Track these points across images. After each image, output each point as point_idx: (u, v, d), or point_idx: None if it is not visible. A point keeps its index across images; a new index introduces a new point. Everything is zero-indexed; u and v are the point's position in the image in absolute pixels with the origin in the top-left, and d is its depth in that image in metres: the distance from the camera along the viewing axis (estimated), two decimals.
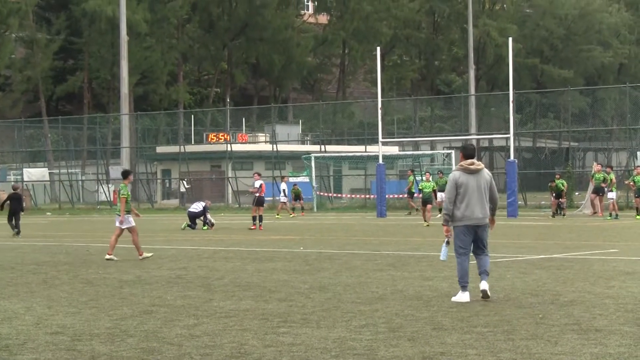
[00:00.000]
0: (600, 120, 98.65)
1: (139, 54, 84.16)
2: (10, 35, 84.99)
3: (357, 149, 71.06)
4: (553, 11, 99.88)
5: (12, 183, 45.66)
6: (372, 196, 58.65)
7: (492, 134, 74.72)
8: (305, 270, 19.17)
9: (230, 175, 66.80)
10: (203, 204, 38.65)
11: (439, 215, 34.30)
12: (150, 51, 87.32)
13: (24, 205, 38.49)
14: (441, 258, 14.72)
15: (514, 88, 46.99)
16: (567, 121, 69.30)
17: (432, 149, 75.23)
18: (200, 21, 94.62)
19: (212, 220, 38.43)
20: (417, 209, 50.50)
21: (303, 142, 79.28)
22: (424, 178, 43.91)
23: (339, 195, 65.64)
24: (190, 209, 38.64)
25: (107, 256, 22.59)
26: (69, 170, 74.99)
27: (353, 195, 64.96)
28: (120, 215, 22.79)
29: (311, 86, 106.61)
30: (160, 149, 76.33)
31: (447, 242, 14.48)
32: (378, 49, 52.17)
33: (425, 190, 39.18)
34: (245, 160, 72.07)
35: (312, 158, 59.54)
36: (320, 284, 16.50)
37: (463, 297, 13.95)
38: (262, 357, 9.85)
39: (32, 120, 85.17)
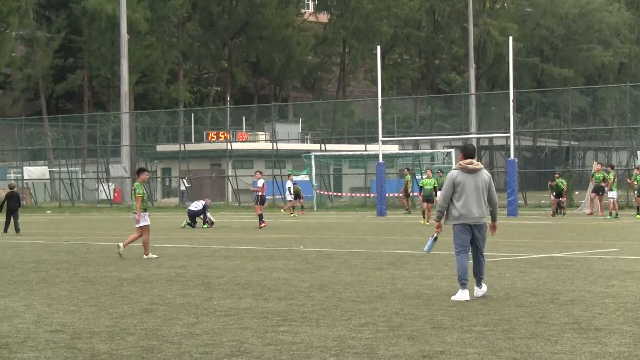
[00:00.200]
0: (600, 120, 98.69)
1: (139, 53, 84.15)
2: (10, 33, 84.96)
3: (357, 148, 71.08)
4: (553, 10, 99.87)
5: (9, 182, 45.58)
6: (372, 195, 58.67)
7: (492, 133, 74.73)
8: (305, 269, 19.18)
9: (230, 173, 66.81)
10: (203, 202, 38.66)
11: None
12: (150, 49, 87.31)
13: (24, 203, 38.53)
14: (425, 249, 14.96)
15: (514, 87, 46.98)
16: (567, 120, 69.31)
17: (432, 148, 75.23)
18: (201, 20, 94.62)
19: (212, 219, 38.44)
20: (407, 210, 50.42)
21: (303, 141, 79.30)
22: (424, 176, 43.83)
23: (339, 194, 65.65)
24: (190, 208, 38.65)
25: (120, 248, 22.57)
26: (69, 169, 74.99)
27: (353, 194, 64.97)
28: (136, 214, 22.79)
29: (311, 85, 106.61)
30: (160, 148, 76.35)
31: (435, 238, 14.66)
32: (378, 47, 52.16)
33: (426, 187, 38.74)
34: (245, 158, 72.08)
35: (312, 157, 59.55)
36: (320, 283, 16.50)
37: (462, 295, 13.97)
38: (262, 356, 9.85)
39: (32, 119, 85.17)
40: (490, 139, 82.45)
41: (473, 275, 14.33)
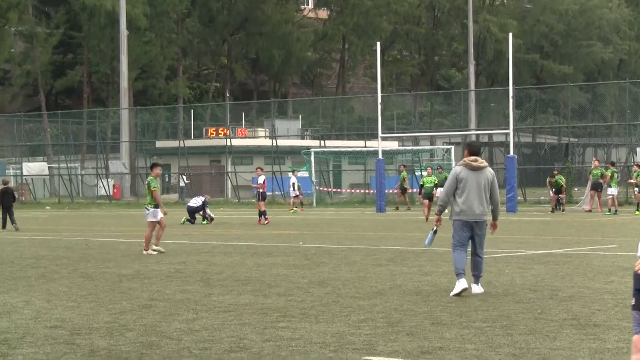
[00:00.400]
0: (599, 116, 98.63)
1: (139, 49, 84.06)
2: (9, 29, 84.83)
3: (356, 144, 71.06)
4: (553, 7, 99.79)
5: (3, 178, 45.45)
6: (371, 191, 58.66)
7: (491, 130, 74.67)
8: (305, 265, 19.18)
9: (229, 170, 66.80)
10: (202, 198, 38.67)
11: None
12: (149, 46, 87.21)
13: (22, 199, 38.51)
14: (425, 243, 15.00)
15: (513, 84, 46.97)
16: (566, 117, 69.29)
17: (431, 144, 75.21)
18: (200, 16, 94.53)
19: (212, 215, 38.44)
20: (397, 207, 50.28)
21: (303, 137, 79.24)
22: (424, 173, 43.79)
23: (339, 190, 65.64)
24: (190, 204, 38.65)
25: (145, 252, 22.50)
26: (69, 165, 74.96)
27: (352, 190, 64.96)
28: (149, 209, 22.79)
29: (311, 81, 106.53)
30: (159, 144, 76.32)
31: (435, 231, 14.74)
32: (378, 44, 52.14)
33: (426, 185, 38.58)
34: (245, 155, 72.05)
35: (312, 153, 59.53)
36: (320, 279, 16.51)
37: (459, 285, 14.04)
38: (261, 352, 9.86)
39: (31, 115, 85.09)
40: (490, 135, 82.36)
41: (471, 274, 14.35)
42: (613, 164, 47.06)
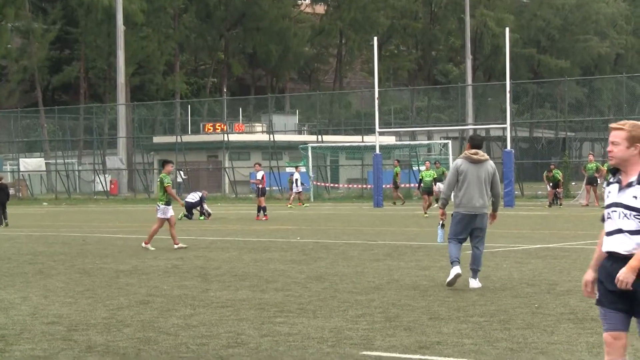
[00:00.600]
0: (596, 111, 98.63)
1: (136, 44, 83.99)
2: (6, 25, 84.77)
3: (354, 139, 71.02)
4: (550, 1, 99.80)
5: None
6: (369, 186, 58.65)
7: (489, 124, 74.65)
8: (302, 260, 19.18)
9: (227, 165, 66.77)
10: (200, 194, 38.65)
11: (436, 205, 34.28)
12: (146, 41, 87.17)
13: (19, 194, 38.44)
14: (438, 241, 14.99)
15: (510, 78, 46.97)
16: (563, 111, 69.30)
17: (429, 139, 75.23)
18: (197, 11, 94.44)
19: (209, 211, 38.42)
20: (394, 202, 50.11)
21: (300, 132, 79.21)
22: (422, 168, 43.71)
23: (336, 185, 65.62)
24: (187, 199, 38.60)
25: (175, 246, 22.47)
26: (66, 161, 74.92)
27: (350, 185, 64.95)
28: (160, 206, 22.80)
29: (308, 76, 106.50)
30: (156, 139, 76.25)
31: (442, 225, 14.76)
32: (375, 39, 52.10)
33: (425, 179, 38.24)
34: (242, 150, 72.00)
35: (309, 148, 59.52)
36: (317, 274, 16.51)
37: (453, 270, 14.16)
38: (259, 347, 9.85)
39: (28, 110, 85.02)
40: (487, 130, 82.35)
41: (469, 267, 14.40)
42: None
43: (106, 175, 71.98)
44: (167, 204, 22.77)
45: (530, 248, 21.00)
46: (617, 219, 6.65)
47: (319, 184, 62.27)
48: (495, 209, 14.77)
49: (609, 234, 6.73)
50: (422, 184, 38.64)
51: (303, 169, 55.40)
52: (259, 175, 36.92)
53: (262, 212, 36.26)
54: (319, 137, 67.93)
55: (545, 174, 45.80)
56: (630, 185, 6.63)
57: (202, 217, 37.69)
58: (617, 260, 6.63)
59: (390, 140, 71.17)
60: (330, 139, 70.86)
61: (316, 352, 9.58)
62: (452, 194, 14.76)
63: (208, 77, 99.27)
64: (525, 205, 46.67)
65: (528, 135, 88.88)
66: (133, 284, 15.53)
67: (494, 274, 15.88)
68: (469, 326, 10.84)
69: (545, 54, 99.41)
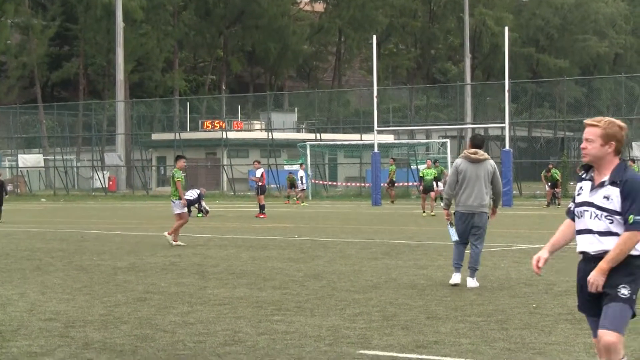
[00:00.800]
0: (595, 110, 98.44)
1: (135, 41, 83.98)
2: (6, 21, 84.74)
3: (352, 137, 71.04)
4: (549, 0, 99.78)
5: None
6: (367, 184, 58.65)
7: (487, 123, 74.68)
8: (300, 258, 19.17)
9: (225, 162, 66.77)
10: (198, 191, 38.58)
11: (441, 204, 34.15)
12: (146, 38, 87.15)
13: (18, 191, 38.38)
14: (452, 239, 14.94)
15: (509, 77, 46.99)
16: (562, 111, 69.29)
17: (427, 138, 75.20)
18: (196, 8, 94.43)
19: (207, 208, 38.39)
20: (392, 201, 49.86)
21: (298, 130, 79.23)
22: (421, 166, 43.63)
23: (334, 183, 65.63)
24: (186, 196, 38.51)
25: (174, 243, 22.47)
26: (64, 157, 74.91)
27: (348, 184, 64.96)
28: (175, 202, 22.88)
29: (307, 74, 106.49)
30: (155, 136, 76.25)
31: (451, 224, 14.89)
32: (374, 37, 52.10)
33: (426, 177, 37.83)
34: (241, 148, 72.00)
35: (308, 146, 59.54)
36: (315, 272, 16.50)
37: (453, 278, 14.37)
38: (256, 345, 9.84)
39: (27, 107, 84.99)
40: (486, 129, 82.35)
41: (468, 266, 14.41)
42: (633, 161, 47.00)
43: (104, 172, 71.99)
44: (180, 198, 22.91)
45: (528, 248, 20.99)
46: (587, 219, 6.59)
47: (317, 182, 62.28)
48: (495, 206, 15.01)
49: (580, 232, 6.68)
50: (422, 182, 38.28)
51: (295, 167, 55.40)
52: (259, 172, 36.86)
53: (262, 209, 36.23)
54: (318, 135, 67.94)
55: (543, 173, 45.80)
56: (602, 185, 6.55)
57: (200, 215, 37.66)
58: (589, 261, 6.61)
59: (389, 138, 71.19)
60: (328, 137, 70.88)
61: (313, 350, 9.58)
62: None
63: (207, 74, 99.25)
64: (524, 204, 46.68)
65: (526, 135, 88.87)
66: (130, 281, 15.52)
67: (491, 274, 15.88)
68: (466, 326, 10.84)
69: (544, 54, 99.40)
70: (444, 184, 39.71)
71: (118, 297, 13.51)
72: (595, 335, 6.72)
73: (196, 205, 38.00)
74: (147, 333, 10.54)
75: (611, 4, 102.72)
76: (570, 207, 6.80)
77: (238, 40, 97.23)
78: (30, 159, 75.58)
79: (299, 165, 54.52)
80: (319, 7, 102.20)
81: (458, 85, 75.18)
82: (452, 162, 52.11)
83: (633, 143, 63.28)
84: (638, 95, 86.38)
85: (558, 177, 44.91)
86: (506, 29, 48.17)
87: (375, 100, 48.87)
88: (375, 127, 49.08)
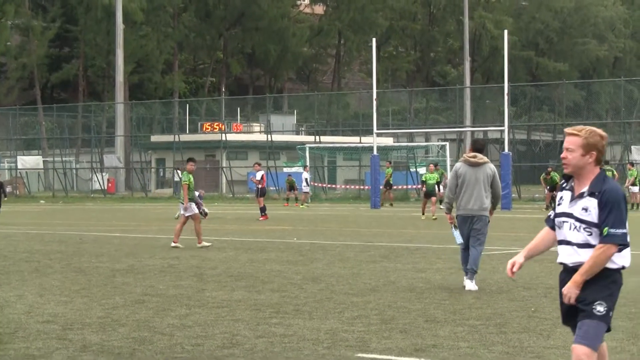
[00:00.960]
0: (594, 114, 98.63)
1: (135, 43, 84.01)
2: (6, 22, 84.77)
3: (351, 140, 71.06)
4: (549, 4, 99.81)
5: None
6: (366, 187, 58.64)
7: (486, 127, 74.70)
8: (298, 261, 19.16)
9: (224, 165, 66.74)
10: (197, 193, 38.52)
11: (438, 206, 34.21)
12: (146, 40, 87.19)
13: (17, 192, 38.35)
14: (457, 242, 14.96)
15: (509, 81, 46.98)
16: (561, 114, 69.32)
17: (426, 141, 75.21)
18: (197, 10, 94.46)
19: (206, 210, 38.31)
20: (391, 204, 49.74)
21: (298, 133, 79.22)
22: (420, 170, 43.61)
23: (333, 186, 65.62)
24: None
25: (173, 244, 22.50)
26: (63, 159, 74.89)
27: (347, 186, 64.95)
28: (183, 203, 22.92)
29: (306, 76, 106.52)
30: (154, 138, 76.24)
31: (455, 227, 14.95)
32: (374, 40, 52.08)
33: (429, 182, 37.59)
34: (240, 150, 71.99)
35: (307, 148, 59.52)
36: (313, 275, 16.48)
37: (465, 282, 14.54)
38: (254, 348, 9.83)
39: (26, 108, 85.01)
40: (485, 132, 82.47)
41: (467, 267, 14.43)
42: (607, 162, 47.01)
43: (104, 174, 71.98)
44: (191, 200, 22.92)
45: None
46: (566, 230, 6.49)
47: (316, 184, 62.27)
48: (493, 208, 15.05)
49: (559, 242, 6.59)
50: (425, 186, 38.10)
51: (293, 169, 55.37)
52: (259, 175, 36.80)
53: (263, 211, 36.19)
54: (317, 137, 67.93)
55: (542, 176, 45.79)
56: (581, 196, 6.41)
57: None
58: (568, 272, 6.57)
59: (388, 141, 71.19)
60: (328, 139, 70.87)
61: (311, 353, 9.56)
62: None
63: (207, 76, 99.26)
64: (523, 208, 46.67)
65: (526, 138, 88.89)
66: (129, 283, 15.50)
67: (490, 277, 15.87)
68: (464, 329, 10.83)
69: (544, 57, 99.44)
70: (444, 186, 39.71)
71: (116, 300, 13.50)
72: None
73: (183, 205, 37.89)
74: (145, 336, 10.53)
75: (611, 7, 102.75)
76: (550, 216, 6.74)
77: (238, 42, 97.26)
78: (29, 161, 75.58)
79: (303, 167, 54.49)
80: (319, 9, 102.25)
81: (457, 88, 75.21)
82: (451, 165, 52.21)
83: (632, 147, 63.26)
84: (637, 98, 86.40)
85: (557, 180, 44.85)
86: (505, 32, 48.17)
87: (374, 102, 48.86)
88: (375, 130, 49.05)
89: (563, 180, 6.64)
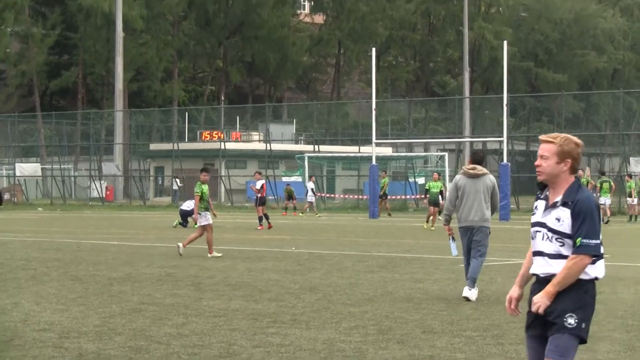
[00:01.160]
0: (593, 125, 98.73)
1: (134, 50, 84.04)
2: (5, 29, 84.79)
3: (350, 150, 71.06)
4: (548, 15, 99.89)
5: None
6: (364, 197, 58.61)
7: (485, 137, 74.62)
8: (296, 271, 19.14)
9: (223, 173, 66.72)
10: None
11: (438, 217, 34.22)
12: (145, 47, 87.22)
13: (14, 199, 38.30)
14: (453, 254, 15.03)
15: (508, 91, 47.00)
16: (560, 125, 69.28)
17: (425, 151, 75.21)
18: (196, 18, 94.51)
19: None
20: (389, 214, 49.56)
21: (297, 142, 79.22)
22: (419, 180, 43.58)
23: (332, 195, 65.60)
24: (182, 207, 38.49)
25: (209, 254, 22.50)
26: (62, 166, 74.86)
27: (346, 196, 64.92)
28: (200, 214, 22.92)
29: (306, 86, 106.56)
30: (153, 146, 76.22)
31: (453, 239, 15.06)
32: (373, 49, 52.11)
33: (432, 190, 37.45)
34: (239, 158, 71.96)
35: (306, 158, 59.50)
36: (311, 285, 16.47)
37: (464, 290, 14.52)
38: (251, 358, 9.81)
39: (25, 115, 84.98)
40: (484, 143, 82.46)
41: (467, 276, 14.45)
42: (603, 173, 47.08)
43: (102, 182, 71.92)
44: (206, 209, 22.93)
45: None
46: (539, 240, 6.33)
47: (315, 194, 62.24)
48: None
49: (533, 254, 6.41)
50: (428, 195, 37.98)
51: (292, 178, 55.33)
52: (259, 184, 36.79)
53: (263, 220, 36.15)
54: (316, 147, 67.93)
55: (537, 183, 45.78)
56: (555, 205, 6.25)
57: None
58: (540, 283, 6.44)
59: (387, 151, 71.19)
60: (327, 149, 70.87)
61: None
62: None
63: (206, 84, 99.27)
64: (521, 219, 46.62)
65: (525, 149, 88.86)
66: (126, 292, 15.47)
67: (487, 288, 15.85)
68: (462, 340, 10.81)
69: (543, 68, 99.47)
70: (444, 198, 39.62)
71: (113, 308, 13.47)
72: (529, 357, 6.56)
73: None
74: (142, 344, 10.50)
75: (610, 19, 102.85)
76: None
77: (238, 51, 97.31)
78: (27, 168, 75.53)
79: (308, 177, 54.51)
80: (319, 18, 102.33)
81: (457, 98, 75.25)
82: (450, 176, 52.23)
83: (631, 158, 63.30)
84: (636, 110, 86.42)
85: None
86: (505, 43, 48.21)
87: (373, 112, 48.86)
88: (374, 140, 49.06)
89: (538, 190, 6.51)
